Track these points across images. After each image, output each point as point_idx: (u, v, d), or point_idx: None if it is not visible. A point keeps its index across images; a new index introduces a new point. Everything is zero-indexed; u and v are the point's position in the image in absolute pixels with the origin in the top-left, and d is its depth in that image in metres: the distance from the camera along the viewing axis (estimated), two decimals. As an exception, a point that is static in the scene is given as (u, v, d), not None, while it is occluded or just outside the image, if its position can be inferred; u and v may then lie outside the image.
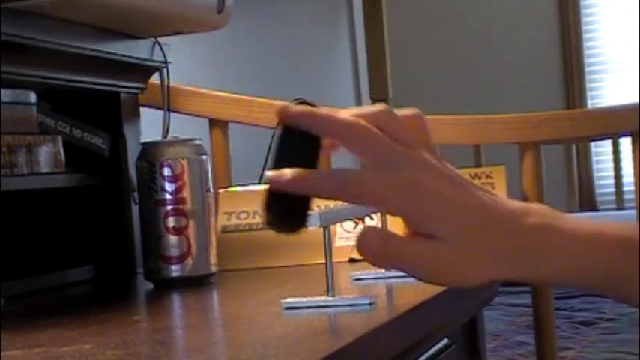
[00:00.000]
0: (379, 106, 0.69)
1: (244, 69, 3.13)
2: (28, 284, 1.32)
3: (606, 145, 4.37)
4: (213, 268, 1.29)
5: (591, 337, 3.02)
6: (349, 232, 1.40)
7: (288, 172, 0.67)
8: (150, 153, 1.28)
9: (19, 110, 1.36)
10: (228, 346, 0.89)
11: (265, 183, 0.68)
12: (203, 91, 1.97)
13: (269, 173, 0.68)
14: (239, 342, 0.89)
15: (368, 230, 0.68)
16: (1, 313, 1.13)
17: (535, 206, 0.68)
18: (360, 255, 0.68)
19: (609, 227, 0.68)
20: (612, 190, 4.45)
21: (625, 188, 4.34)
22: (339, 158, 2.18)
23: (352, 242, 1.39)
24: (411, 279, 1.12)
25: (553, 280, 0.68)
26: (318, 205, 1.50)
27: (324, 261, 0.95)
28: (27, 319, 1.08)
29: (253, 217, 1.46)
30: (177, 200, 1.26)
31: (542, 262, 0.66)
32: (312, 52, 3.85)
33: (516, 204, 0.68)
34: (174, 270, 1.26)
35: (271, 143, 0.69)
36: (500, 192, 1.51)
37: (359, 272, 1.18)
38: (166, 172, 1.27)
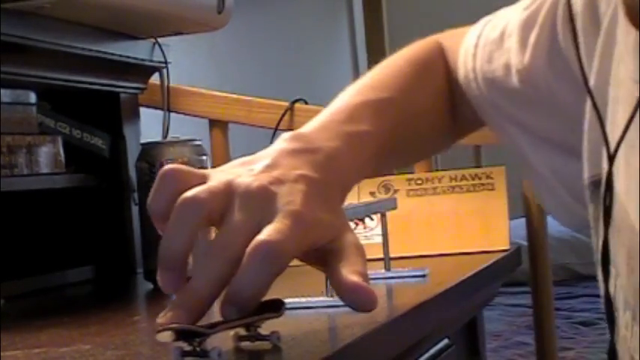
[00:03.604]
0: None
1: (244, 69, 3.13)
2: (28, 284, 1.32)
3: (606, 145, 4.37)
4: (213, 269, 1.29)
5: (591, 337, 3.02)
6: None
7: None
8: (150, 153, 1.28)
9: (19, 110, 1.36)
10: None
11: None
12: (203, 91, 1.96)
13: None
14: (239, 342, 0.89)
15: None
16: (1, 313, 1.13)
17: None
18: None
19: None
20: (612, 190, 4.44)
21: (625, 188, 4.34)
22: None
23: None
24: (412, 280, 1.12)
25: None
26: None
27: (324, 261, 0.94)
28: (27, 319, 1.08)
29: (253, 218, 1.45)
30: (177, 200, 1.26)
31: None
32: (312, 52, 3.85)
33: None
34: (174, 270, 1.26)
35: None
36: (500, 192, 1.50)
37: (359, 272, 1.17)
38: (166, 172, 1.26)
